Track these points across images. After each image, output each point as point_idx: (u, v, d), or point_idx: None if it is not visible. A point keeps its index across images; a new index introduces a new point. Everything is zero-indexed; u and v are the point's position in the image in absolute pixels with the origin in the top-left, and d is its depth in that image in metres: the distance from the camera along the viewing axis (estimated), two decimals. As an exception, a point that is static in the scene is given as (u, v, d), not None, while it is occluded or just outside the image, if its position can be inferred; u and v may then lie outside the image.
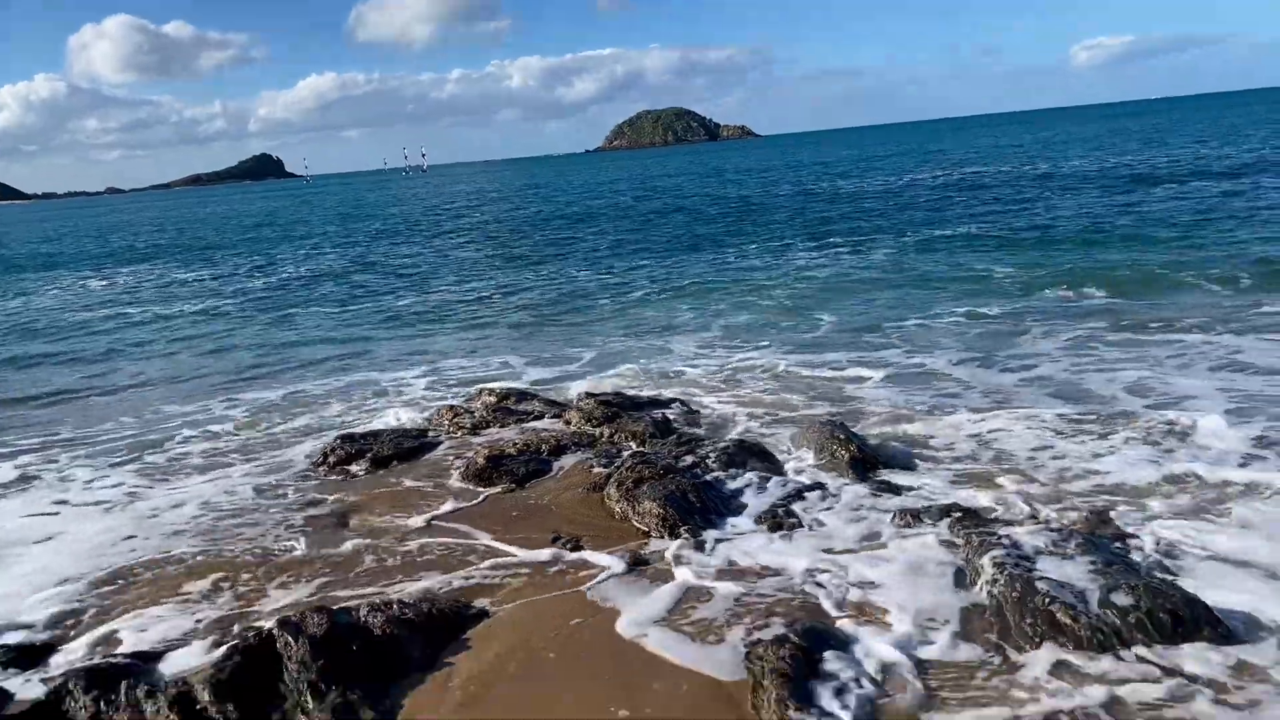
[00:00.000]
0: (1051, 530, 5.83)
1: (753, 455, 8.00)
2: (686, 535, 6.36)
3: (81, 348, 18.10)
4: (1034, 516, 6.33)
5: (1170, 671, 4.31)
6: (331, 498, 7.60)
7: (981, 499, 6.71)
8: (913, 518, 6.37)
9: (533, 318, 17.42)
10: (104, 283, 31.28)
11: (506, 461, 7.92)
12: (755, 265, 21.89)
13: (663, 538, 6.37)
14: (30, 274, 36.70)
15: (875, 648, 4.69)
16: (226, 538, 6.90)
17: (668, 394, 10.35)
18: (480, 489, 7.53)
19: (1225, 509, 6.15)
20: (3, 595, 6.11)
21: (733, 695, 4.35)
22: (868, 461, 7.67)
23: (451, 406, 9.86)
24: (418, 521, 6.94)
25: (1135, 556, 5.53)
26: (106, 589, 6.08)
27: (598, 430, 8.93)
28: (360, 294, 22.98)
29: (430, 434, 9.20)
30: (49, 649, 5.09)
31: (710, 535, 6.37)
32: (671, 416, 9.38)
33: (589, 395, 9.88)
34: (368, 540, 6.63)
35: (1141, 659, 4.42)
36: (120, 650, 4.94)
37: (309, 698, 4.34)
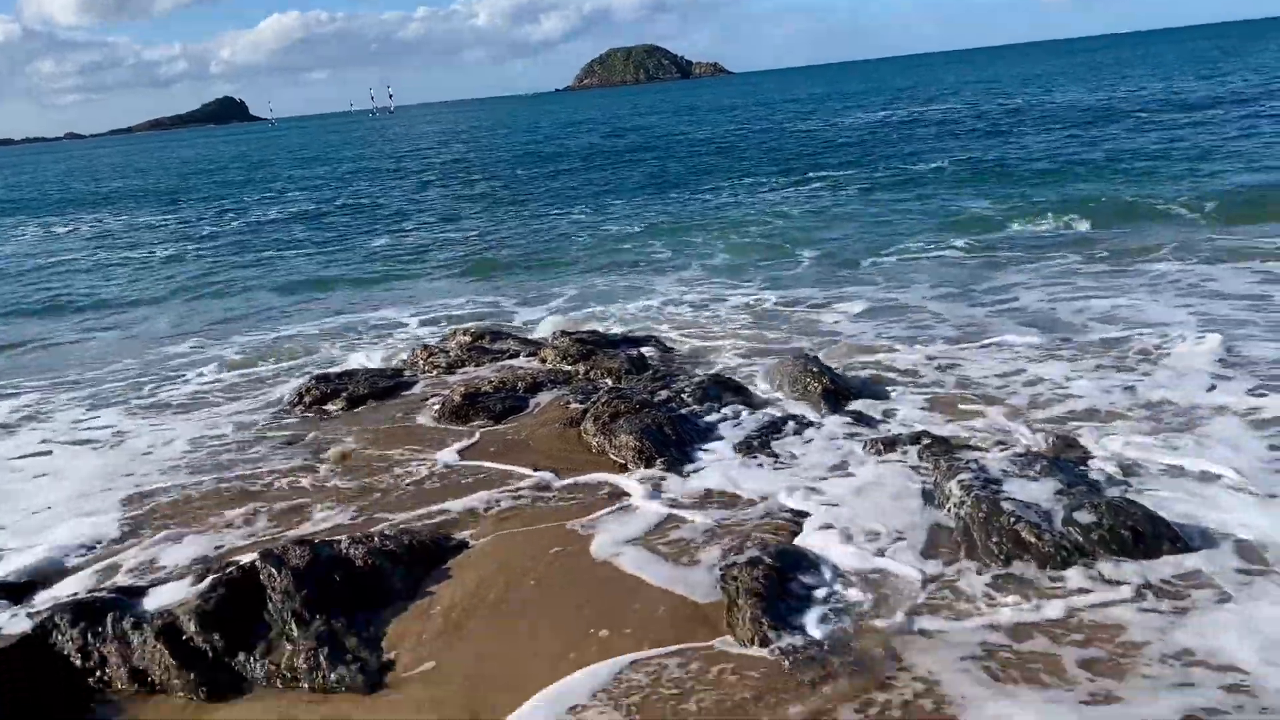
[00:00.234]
0: (1018, 455, 5.96)
1: (727, 390, 8.08)
2: (662, 466, 6.47)
3: (53, 294, 17.90)
4: (1002, 442, 6.47)
5: (1128, 583, 4.47)
6: (308, 435, 7.64)
7: (951, 426, 6.85)
8: (884, 446, 6.49)
9: (509, 258, 17.37)
10: (68, 228, 30.76)
11: (483, 399, 7.97)
12: (730, 203, 21.86)
13: (639, 469, 6.46)
14: (-10, 221, 36.02)
15: (846, 567, 4.83)
16: (209, 475, 6.96)
17: (643, 332, 10.41)
18: (457, 426, 7.59)
19: (1191, 429, 6.32)
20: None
21: (709, 615, 4.47)
22: (840, 394, 7.77)
23: (426, 346, 9.87)
24: (394, 457, 7.00)
25: (1100, 477, 5.68)
26: (95, 525, 6.14)
27: (573, 368, 8.98)
28: (334, 236, 22.77)
29: (406, 374, 9.23)
30: (34, 586, 5.14)
31: (686, 466, 6.47)
32: (647, 354, 9.44)
33: (564, 334, 9.92)
34: (345, 476, 6.68)
35: (1102, 573, 4.58)
36: (106, 585, 5.00)
37: (293, 626, 4.42)
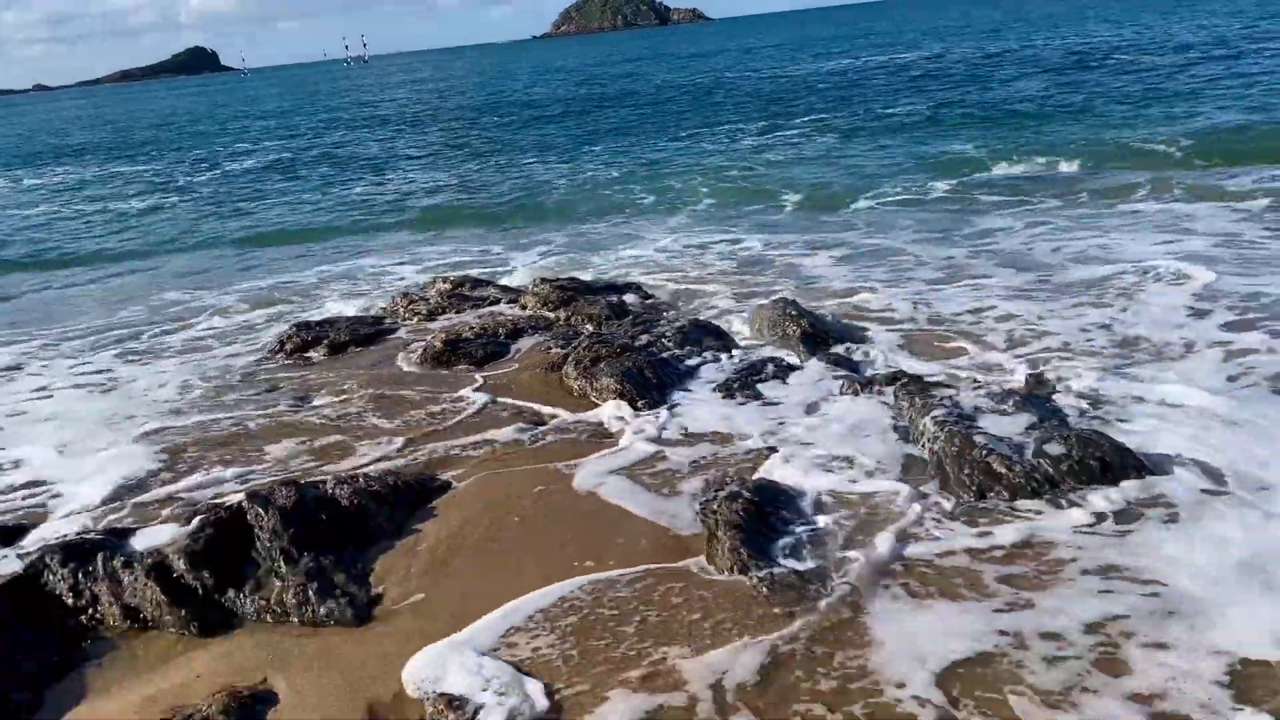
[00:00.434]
0: (992, 392, 6.08)
1: (708, 334, 8.16)
2: (644, 408, 6.55)
3: (36, 247, 17.73)
4: (977, 380, 6.59)
5: (1086, 509, 4.64)
6: (294, 379, 7.70)
7: (928, 366, 6.95)
8: (861, 386, 6.60)
9: (491, 207, 17.30)
10: (40, 181, 30.31)
11: (464, 344, 8.01)
12: (711, 149, 21.78)
13: (621, 411, 6.54)
14: (-42, 174, 35.42)
15: (823, 500, 4.95)
16: (195, 418, 7.06)
17: (625, 278, 10.45)
18: (439, 371, 7.64)
19: (1162, 364, 6.46)
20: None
21: (690, 547, 4.58)
22: (819, 336, 7.85)
23: (406, 294, 9.88)
24: (376, 401, 7.05)
25: (1072, 411, 5.81)
26: (91, 466, 6.25)
27: (554, 314, 9.03)
28: (312, 186, 22.57)
29: (387, 321, 9.25)
30: (23, 529, 5.20)
31: (667, 408, 6.56)
32: (628, 300, 9.50)
33: (544, 280, 9.94)
34: (328, 419, 6.74)
35: (1066, 501, 4.73)
36: (94, 527, 5.07)
37: (282, 563, 4.50)
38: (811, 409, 6.32)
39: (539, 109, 39.10)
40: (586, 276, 10.57)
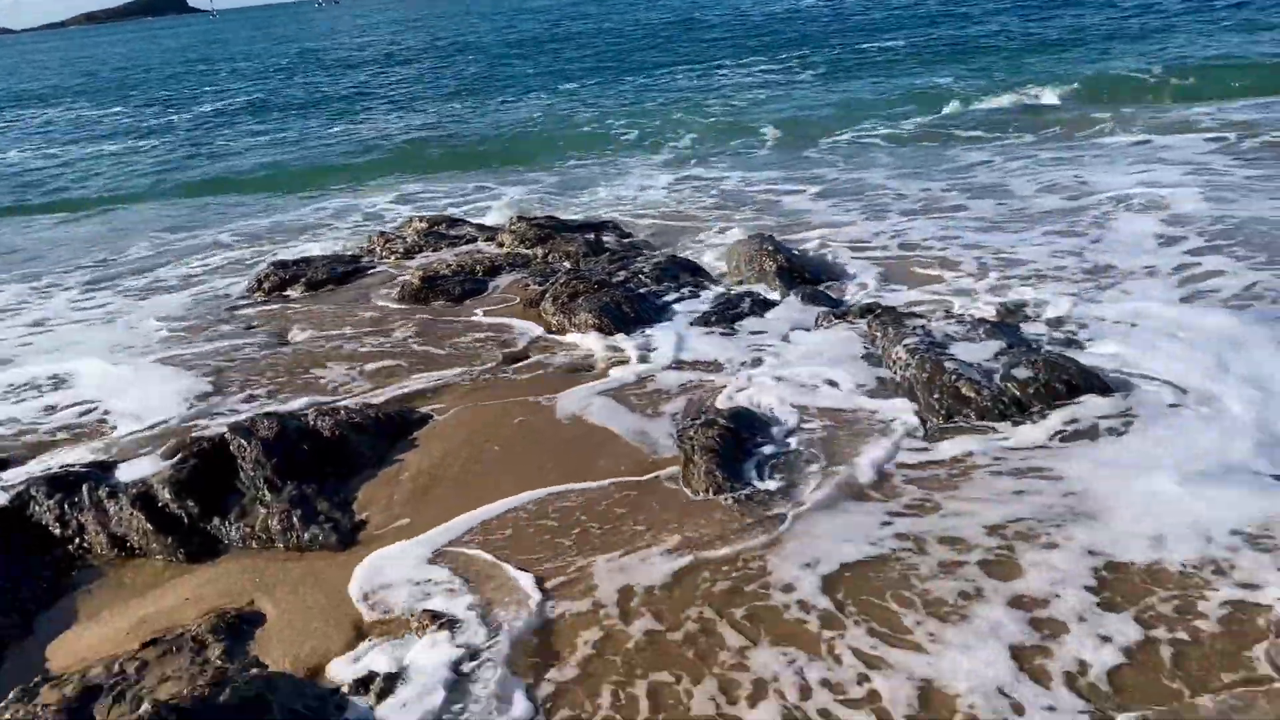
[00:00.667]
0: (964, 320, 6.18)
1: (685, 270, 8.20)
2: (621, 341, 6.62)
3: (11, 193, 17.50)
4: (949, 311, 6.68)
5: (1042, 426, 4.82)
6: (272, 315, 7.72)
7: (903, 297, 7.04)
8: (836, 317, 6.68)
9: (470, 147, 17.14)
10: (8, 124, 29.72)
11: (442, 282, 8.03)
12: (689, 85, 21.59)
13: (599, 345, 6.61)
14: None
15: (795, 425, 5.06)
16: (178, 352, 7.16)
17: (603, 216, 10.44)
18: (417, 307, 7.67)
19: (1130, 290, 6.58)
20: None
21: (675, 476, 4.69)
22: (795, 271, 7.90)
23: (383, 233, 9.86)
24: (356, 335, 7.09)
25: (1041, 337, 5.92)
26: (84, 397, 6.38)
27: (531, 251, 9.03)
28: (290, 128, 22.24)
29: (364, 260, 9.24)
30: (6, 463, 5.25)
31: (644, 341, 6.63)
32: (606, 238, 9.50)
33: (521, 218, 9.92)
34: (308, 355, 6.78)
35: (1032, 419, 4.87)
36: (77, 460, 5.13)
37: (266, 492, 4.58)
38: (787, 340, 6.40)
39: (516, 47, 38.50)
40: (565, 215, 10.56)
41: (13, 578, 4.21)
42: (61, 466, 4.86)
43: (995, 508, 4.13)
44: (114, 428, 5.73)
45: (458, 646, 3.49)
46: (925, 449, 4.72)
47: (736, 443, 4.85)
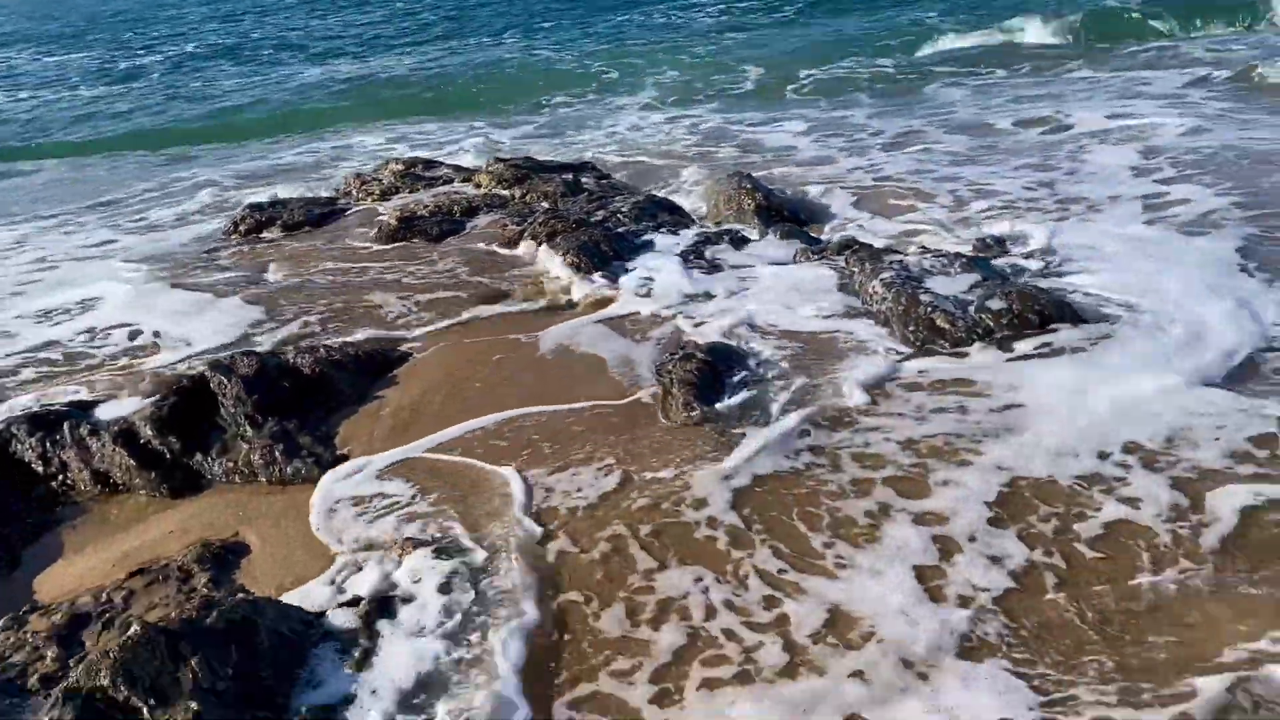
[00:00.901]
0: (940, 255, 6.22)
1: (664, 209, 8.20)
2: (600, 280, 6.63)
3: None
4: (925, 246, 6.73)
5: (1009, 351, 4.93)
6: (245, 261, 7.68)
7: (881, 233, 7.09)
8: (814, 254, 6.72)
9: (448, 90, 16.93)
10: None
11: (419, 222, 7.99)
12: (673, 24, 21.34)
13: (577, 283, 6.63)
14: None
15: (771, 357, 5.12)
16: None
17: (583, 157, 10.39)
18: (394, 246, 7.65)
19: (1102, 219, 6.68)
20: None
21: (647, 404, 4.75)
22: (774, 209, 7.91)
23: (359, 174, 9.77)
24: (335, 276, 7.07)
25: (1016, 269, 6.00)
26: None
27: (509, 192, 8.98)
28: (264, 73, 21.82)
29: (340, 202, 9.17)
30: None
31: (622, 279, 6.65)
32: (584, 178, 9.46)
33: (499, 159, 9.85)
34: (284, 295, 6.76)
35: (1000, 347, 4.98)
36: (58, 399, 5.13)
37: (247, 427, 4.61)
38: (765, 277, 6.43)
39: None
40: (544, 156, 10.50)
41: (-3, 515, 4.24)
42: (41, 404, 4.86)
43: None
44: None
45: (432, 565, 3.58)
46: (892, 376, 4.81)
47: (714, 375, 4.91)
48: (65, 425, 4.55)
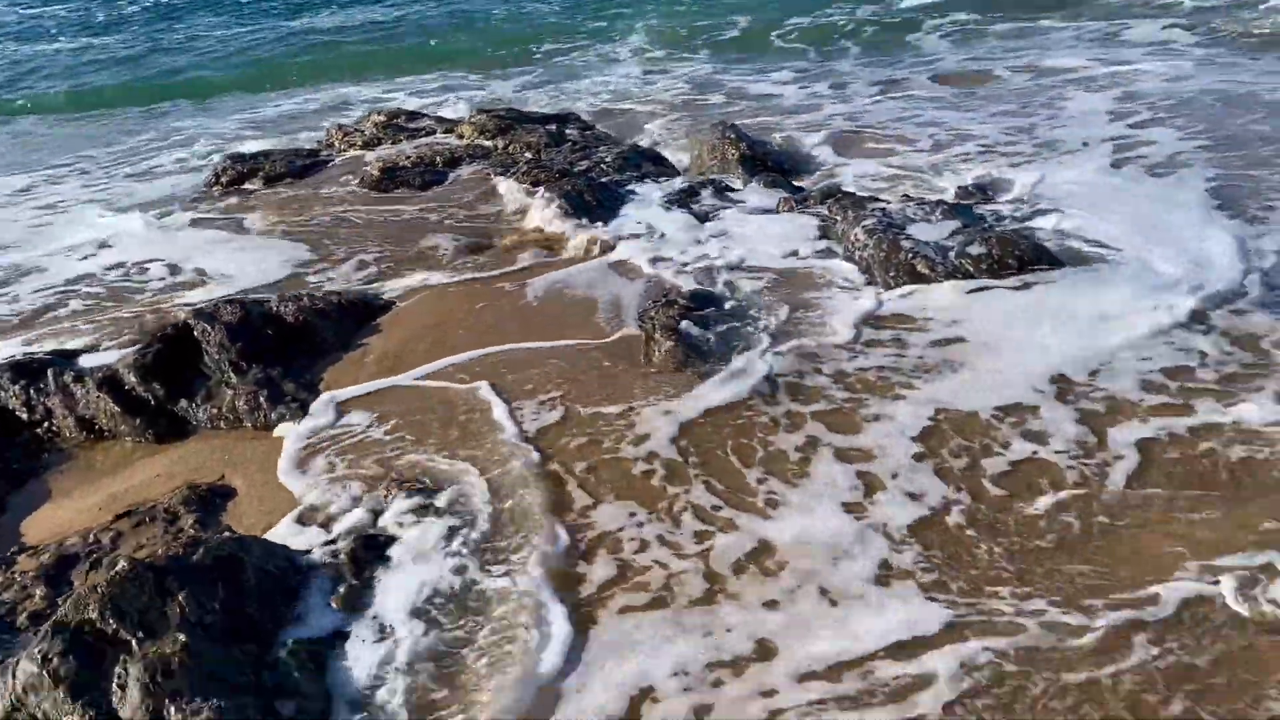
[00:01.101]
0: (922, 203, 6.24)
1: (647, 159, 8.17)
2: (583, 228, 6.63)
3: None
4: (908, 194, 6.75)
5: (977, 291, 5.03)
6: (228, 213, 7.64)
7: (863, 176, 7.11)
8: (796, 203, 6.72)
9: (430, 44, 16.68)
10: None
11: (402, 172, 7.95)
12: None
13: (561, 232, 6.63)
14: None
15: (752, 303, 5.15)
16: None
17: (567, 109, 10.31)
18: (377, 195, 7.62)
19: (1079, 162, 6.73)
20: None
21: (630, 347, 4.78)
22: (757, 159, 7.90)
23: (341, 126, 9.69)
24: (317, 222, 7.05)
25: (996, 215, 6.03)
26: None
27: (492, 142, 8.93)
28: (249, 24, 21.41)
29: (323, 153, 9.10)
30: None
31: (605, 227, 6.64)
32: (568, 129, 9.40)
33: (482, 110, 9.78)
34: (265, 240, 6.76)
35: (972, 288, 5.06)
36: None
37: (231, 374, 4.63)
38: (747, 225, 6.44)
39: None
40: (529, 108, 10.43)
41: (-18, 462, 4.27)
42: (24, 353, 4.86)
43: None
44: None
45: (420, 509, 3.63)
46: (868, 319, 4.88)
47: (694, 320, 4.94)
48: (49, 373, 4.56)
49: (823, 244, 5.88)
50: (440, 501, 3.64)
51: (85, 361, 4.77)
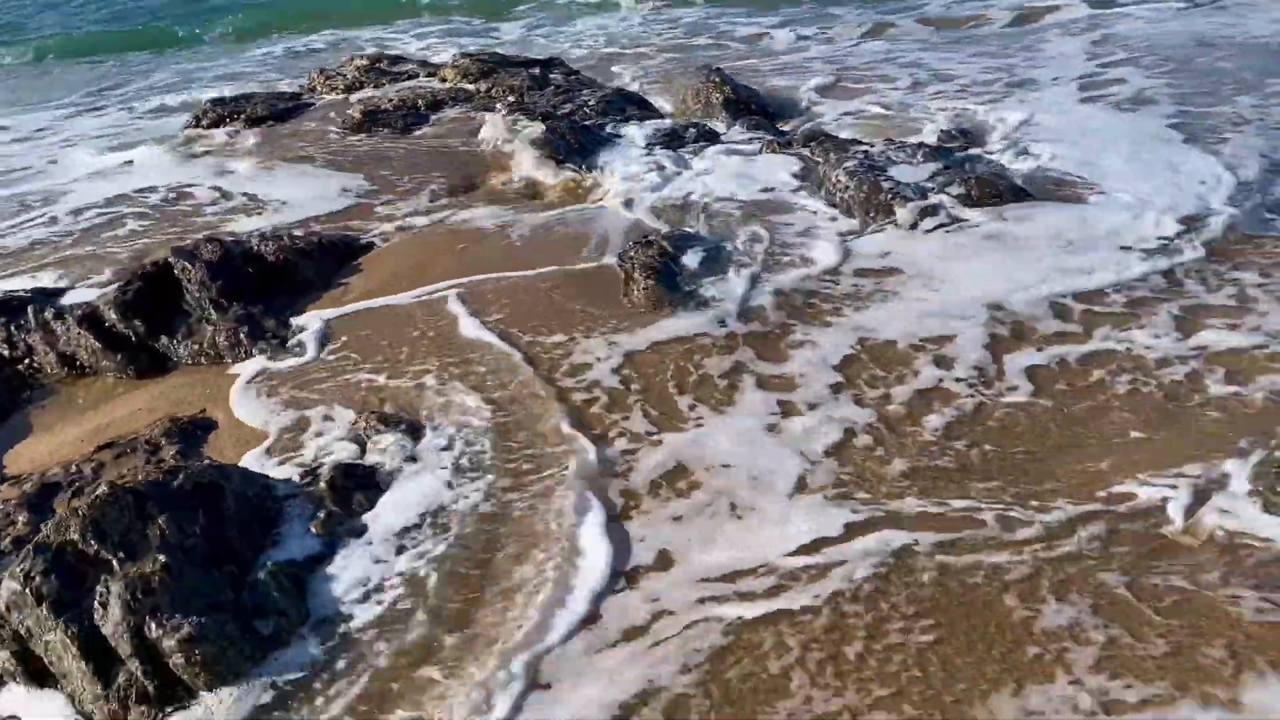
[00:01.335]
0: (903, 145, 6.26)
1: (631, 103, 8.13)
2: (566, 170, 6.62)
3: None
4: (890, 138, 6.75)
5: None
6: (210, 153, 7.60)
7: (846, 122, 7.11)
8: (779, 145, 6.71)
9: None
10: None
11: (383, 115, 7.90)
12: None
13: (544, 175, 6.62)
14: None
15: (730, 242, 5.18)
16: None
17: (551, 53, 10.23)
18: (359, 138, 7.57)
19: (1054, 101, 6.82)
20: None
21: (610, 286, 4.81)
22: (743, 102, 7.87)
23: (322, 69, 9.59)
24: (299, 167, 7.02)
25: (976, 157, 6.05)
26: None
27: (474, 86, 8.85)
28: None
29: (305, 97, 9.02)
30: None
31: (589, 169, 6.64)
32: (552, 73, 9.32)
33: (464, 54, 9.69)
34: (252, 189, 6.73)
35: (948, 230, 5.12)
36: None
37: (212, 311, 4.65)
38: (728, 166, 6.44)
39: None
40: (509, 52, 10.33)
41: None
42: (4, 290, 4.86)
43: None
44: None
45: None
46: (843, 259, 4.95)
47: (674, 260, 4.96)
48: (29, 310, 4.57)
49: (803, 185, 5.89)
50: (422, 441, 3.70)
51: (66, 300, 4.78)
